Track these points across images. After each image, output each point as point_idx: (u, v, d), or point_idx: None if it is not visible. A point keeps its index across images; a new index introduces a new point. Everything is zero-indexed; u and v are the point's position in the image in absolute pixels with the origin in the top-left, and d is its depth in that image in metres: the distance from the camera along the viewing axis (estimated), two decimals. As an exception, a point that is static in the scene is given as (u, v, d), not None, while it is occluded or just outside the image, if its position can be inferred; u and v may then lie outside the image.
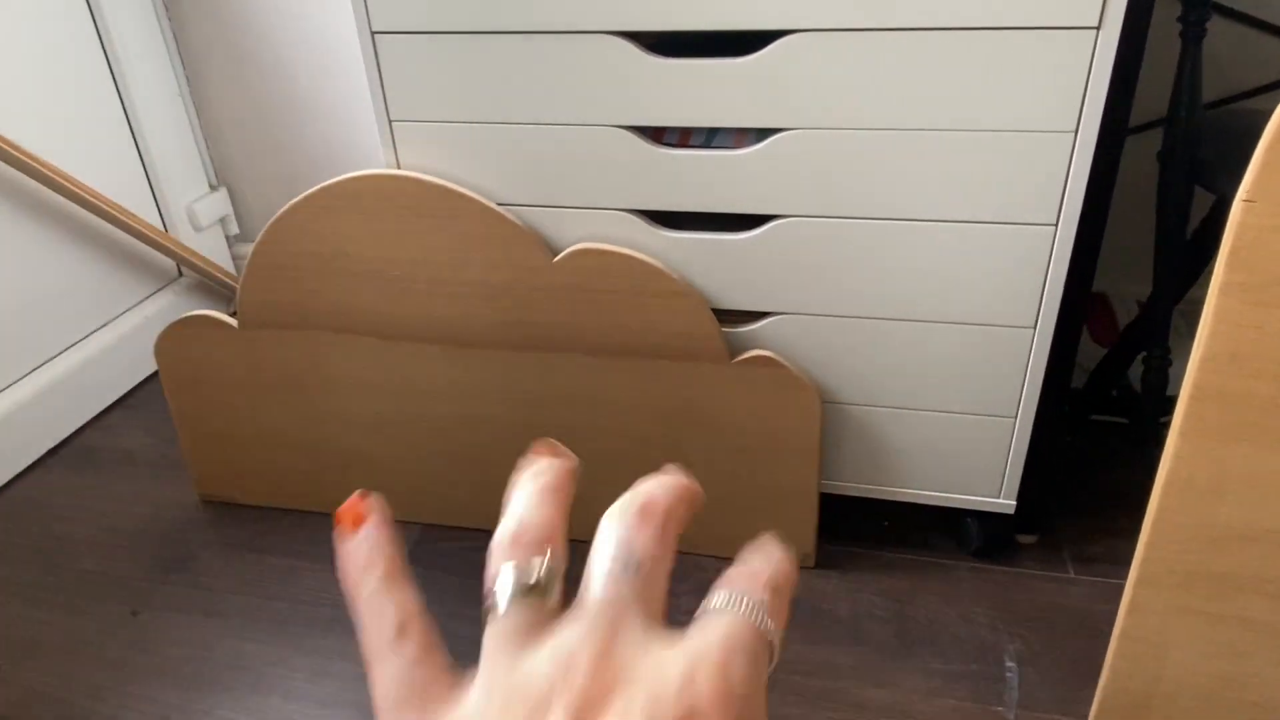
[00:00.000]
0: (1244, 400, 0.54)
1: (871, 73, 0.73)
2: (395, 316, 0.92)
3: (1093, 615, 0.89)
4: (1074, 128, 0.72)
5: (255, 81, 1.42)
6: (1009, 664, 0.84)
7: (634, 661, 0.20)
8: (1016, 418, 0.86)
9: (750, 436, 0.89)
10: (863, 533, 1.00)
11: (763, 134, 0.78)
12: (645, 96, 0.78)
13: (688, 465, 0.96)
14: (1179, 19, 0.81)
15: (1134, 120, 0.75)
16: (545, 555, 0.22)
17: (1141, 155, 1.14)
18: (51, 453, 1.22)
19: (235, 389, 1.01)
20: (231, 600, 0.96)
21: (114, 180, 1.34)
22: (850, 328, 0.84)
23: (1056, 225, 0.76)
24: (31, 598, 0.98)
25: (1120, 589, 0.92)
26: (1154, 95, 1.07)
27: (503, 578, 0.22)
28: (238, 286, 1.49)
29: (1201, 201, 0.91)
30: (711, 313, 0.85)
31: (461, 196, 0.85)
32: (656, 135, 0.82)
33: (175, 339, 1.00)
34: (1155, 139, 1.12)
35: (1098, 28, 0.68)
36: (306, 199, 0.88)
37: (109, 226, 1.31)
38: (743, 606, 0.21)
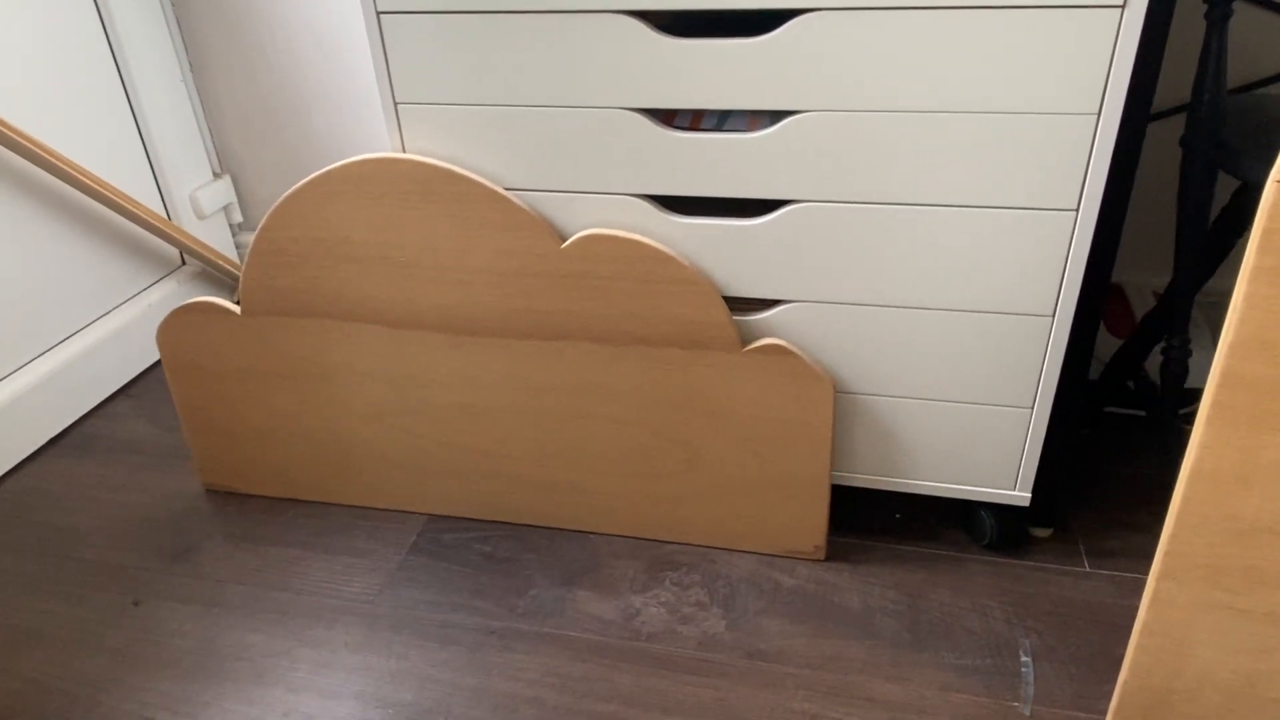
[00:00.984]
0: (1274, 388, 0.52)
1: (889, 53, 0.71)
2: (400, 303, 0.91)
3: (1109, 610, 0.87)
4: (1096, 110, 0.70)
5: (259, 69, 1.41)
6: (1024, 658, 0.83)
7: None
8: (1033, 408, 0.84)
9: (761, 426, 0.88)
10: (874, 525, 0.99)
11: (776, 116, 0.76)
12: (656, 78, 0.76)
13: (697, 455, 0.94)
14: (1204, 1, 0.79)
15: (1155, 106, 0.73)
16: None
17: (1158, 142, 1.12)
18: (53, 441, 1.21)
19: (238, 377, 1.00)
20: (234, 590, 0.95)
21: (117, 167, 1.32)
22: (864, 316, 0.83)
23: (1077, 211, 0.74)
24: (33, 587, 0.97)
25: (1137, 583, 0.91)
26: (1174, 81, 1.06)
27: None
28: (240, 274, 1.48)
29: (1220, 191, 0.89)
30: (722, 300, 0.83)
31: (468, 181, 0.83)
32: (667, 118, 0.80)
33: (177, 326, 0.99)
34: (1170, 126, 1.11)
35: (1122, 7, 0.66)
36: (310, 184, 0.87)
37: (112, 214, 1.30)
38: None
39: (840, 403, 0.88)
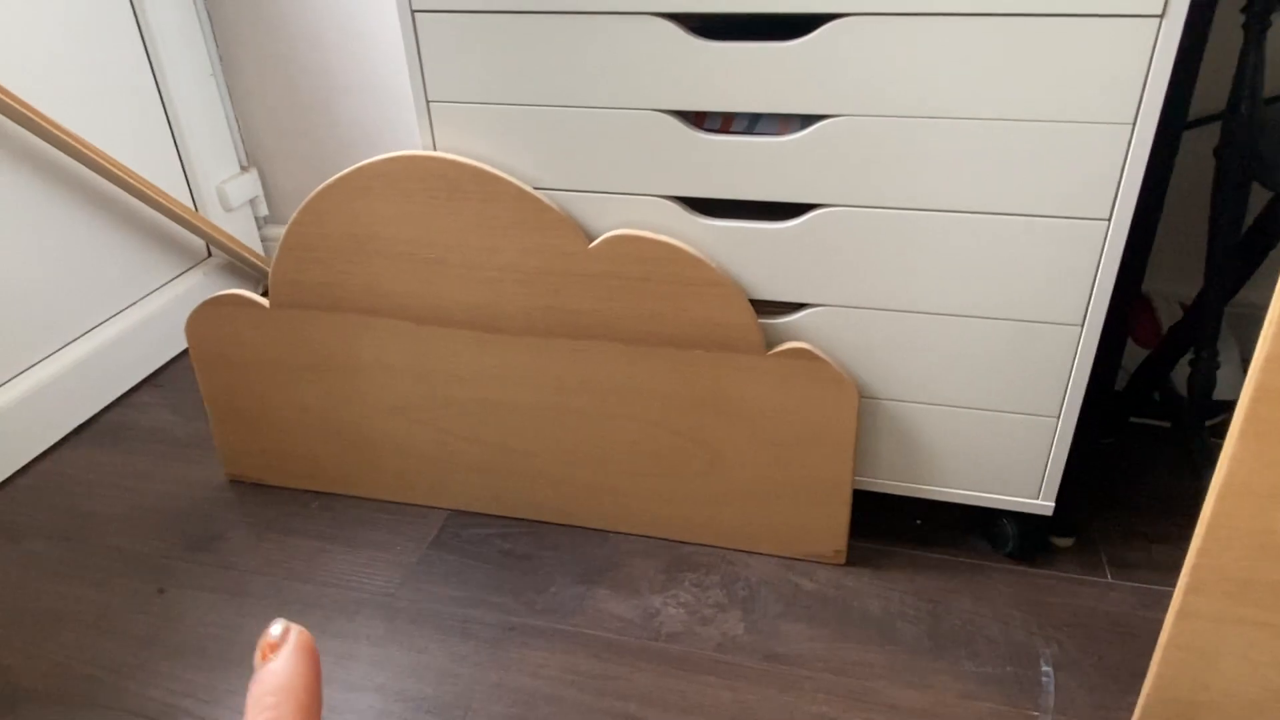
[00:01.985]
0: (1310, 403, 0.52)
1: (923, 59, 0.71)
2: (427, 300, 0.92)
3: (1131, 621, 0.87)
4: (1132, 120, 0.69)
5: (288, 64, 1.42)
6: (1044, 668, 0.83)
7: None
8: (1059, 417, 0.84)
9: (784, 429, 0.88)
10: (894, 530, 0.99)
11: (808, 120, 0.76)
12: (688, 80, 0.77)
13: (719, 457, 0.94)
14: (1242, 10, 0.79)
15: (1188, 115, 0.72)
16: None
17: (1185, 151, 1.11)
18: (79, 429, 1.23)
19: (265, 369, 1.01)
20: (257, 580, 0.96)
21: (147, 159, 1.34)
22: (891, 321, 0.83)
23: (1109, 220, 0.73)
24: (59, 572, 0.98)
25: (1159, 595, 0.90)
26: (1207, 90, 1.05)
27: None
28: (267, 267, 1.49)
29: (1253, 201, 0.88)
30: (749, 303, 0.84)
31: (498, 179, 0.84)
32: (698, 120, 0.80)
33: (207, 317, 1.00)
34: (1198, 135, 1.10)
35: (1161, 16, 0.66)
36: (342, 179, 0.87)
37: (141, 205, 1.31)
38: None
39: (864, 407, 0.88)
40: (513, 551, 0.98)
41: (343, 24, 1.36)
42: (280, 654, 0.26)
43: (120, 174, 1.23)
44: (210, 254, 1.48)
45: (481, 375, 0.94)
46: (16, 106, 1.09)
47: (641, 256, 0.84)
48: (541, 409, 0.95)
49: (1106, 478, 1.05)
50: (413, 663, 0.86)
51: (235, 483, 1.11)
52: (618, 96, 0.79)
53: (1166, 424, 1.12)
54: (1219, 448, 0.60)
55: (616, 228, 0.85)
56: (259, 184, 1.54)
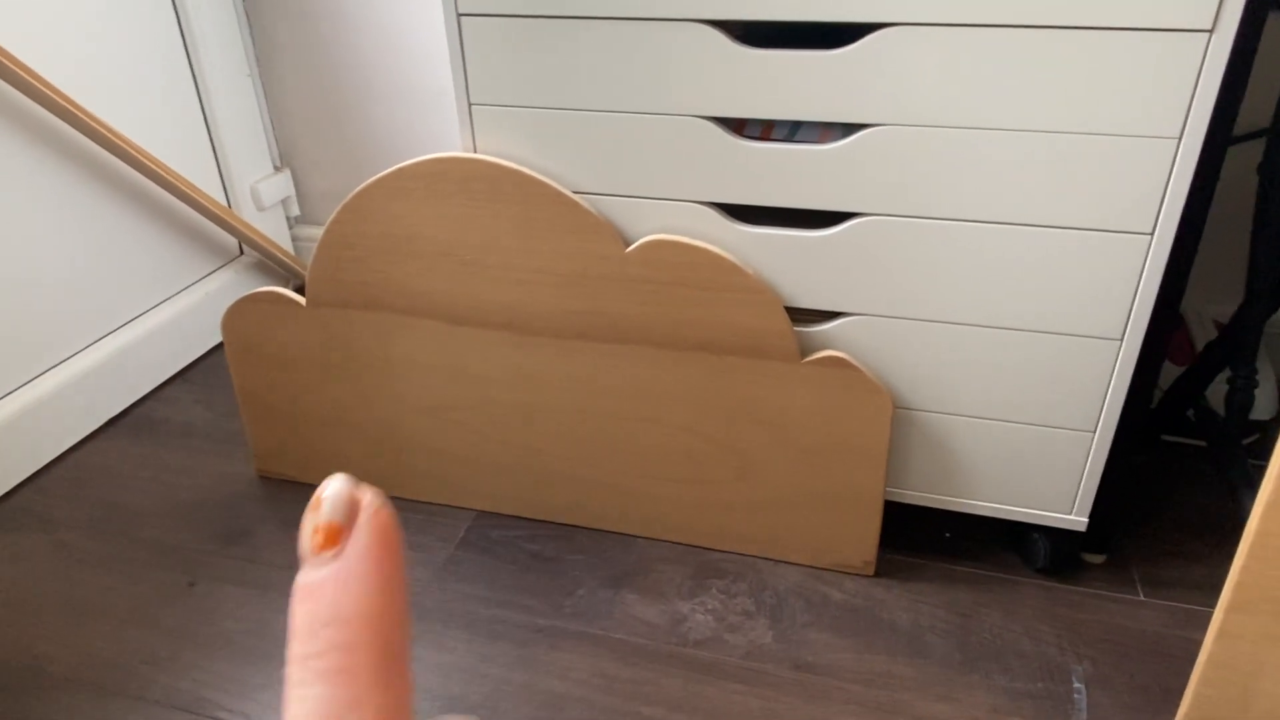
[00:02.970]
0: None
1: (967, 70, 0.71)
2: (463, 300, 0.92)
3: (1165, 640, 0.86)
4: (1178, 134, 0.69)
5: (324, 66, 1.43)
6: (1076, 685, 0.82)
7: None
8: (1095, 432, 0.83)
9: (817, 438, 0.88)
10: (923, 542, 0.98)
11: (849, 129, 0.77)
12: (730, 87, 0.77)
13: (750, 464, 0.94)
14: (1287, 27, 0.78)
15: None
16: None
17: (1228, 169, 1.10)
18: (112, 422, 1.24)
19: (299, 367, 1.02)
20: (287, 576, 0.97)
21: (183, 157, 1.35)
22: (927, 331, 0.83)
23: (1152, 235, 0.73)
24: (93, 562, 0.99)
25: (1192, 614, 0.89)
26: (1253, 105, 1.04)
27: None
28: (299, 266, 1.50)
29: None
30: (784, 310, 0.84)
31: (537, 182, 0.84)
32: (738, 127, 0.80)
33: (243, 314, 1.01)
34: (1242, 152, 1.09)
35: (1211, 31, 0.65)
36: (381, 180, 0.88)
37: (176, 202, 1.33)
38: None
39: (898, 418, 0.88)
40: (540, 554, 0.99)
41: (377, 25, 1.37)
42: (348, 550, 0.16)
43: (158, 170, 1.25)
44: (242, 252, 1.49)
45: (514, 377, 0.95)
46: (59, 100, 1.10)
47: (678, 262, 0.84)
48: (573, 412, 0.95)
49: (1138, 495, 1.04)
50: (441, 662, 0.86)
51: (265, 479, 1.12)
52: (659, 102, 0.79)
53: (1200, 442, 1.11)
54: (1256, 467, 0.59)
55: (654, 233, 0.85)
56: (291, 184, 1.56)
